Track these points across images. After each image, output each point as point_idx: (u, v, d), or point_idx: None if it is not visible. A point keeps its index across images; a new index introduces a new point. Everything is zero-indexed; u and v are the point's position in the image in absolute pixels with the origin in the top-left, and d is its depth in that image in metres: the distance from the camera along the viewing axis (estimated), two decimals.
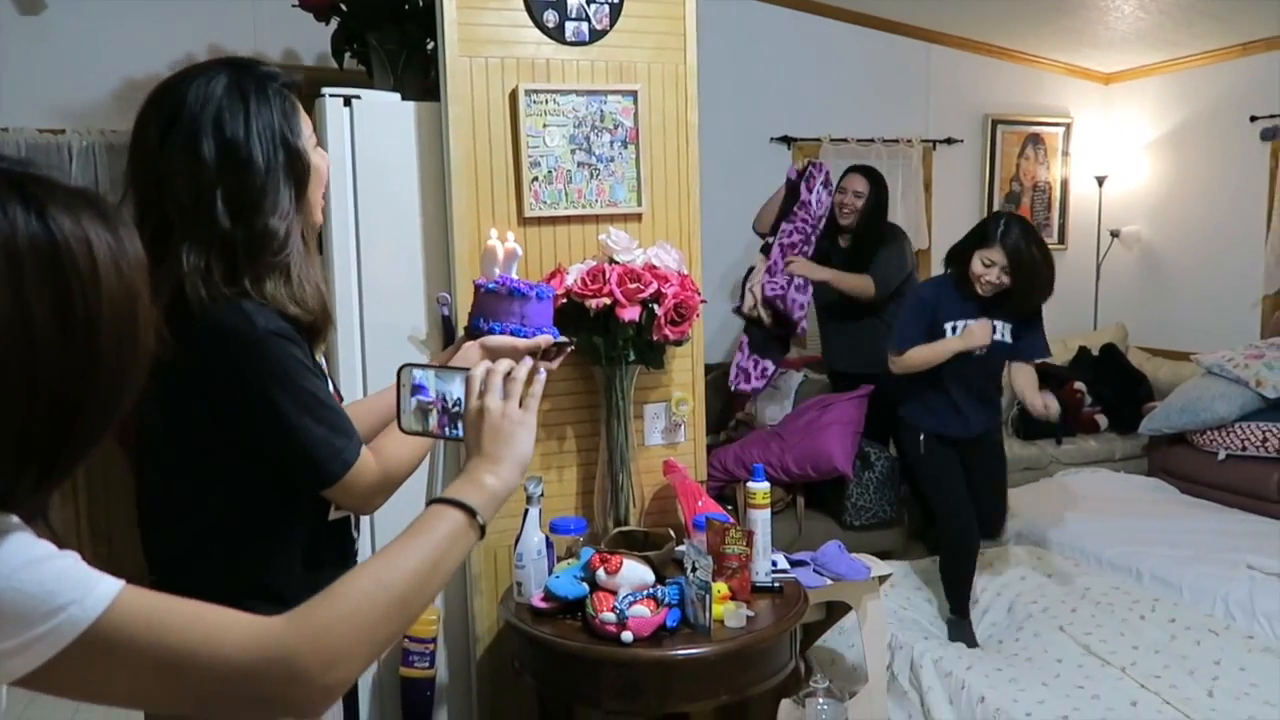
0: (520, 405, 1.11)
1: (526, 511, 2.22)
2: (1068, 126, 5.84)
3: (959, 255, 3.16)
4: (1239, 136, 5.16)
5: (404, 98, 2.52)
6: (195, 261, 1.24)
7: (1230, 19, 4.78)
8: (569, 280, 2.32)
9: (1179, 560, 3.45)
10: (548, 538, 2.27)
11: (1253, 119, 5.06)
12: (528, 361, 1.16)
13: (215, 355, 1.24)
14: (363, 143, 2.40)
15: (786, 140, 5.13)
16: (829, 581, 2.54)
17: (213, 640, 0.76)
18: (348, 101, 2.39)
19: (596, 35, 2.45)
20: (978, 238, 3.11)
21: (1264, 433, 4.28)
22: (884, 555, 3.66)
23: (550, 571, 2.24)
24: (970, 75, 5.54)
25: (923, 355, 3.12)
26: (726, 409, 4.32)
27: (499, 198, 2.42)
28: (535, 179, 2.42)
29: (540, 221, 2.46)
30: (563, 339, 1.46)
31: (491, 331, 1.57)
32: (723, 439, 4.05)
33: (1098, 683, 2.59)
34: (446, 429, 1.17)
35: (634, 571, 2.09)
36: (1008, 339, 3.16)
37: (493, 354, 1.55)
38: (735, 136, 5.01)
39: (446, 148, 2.39)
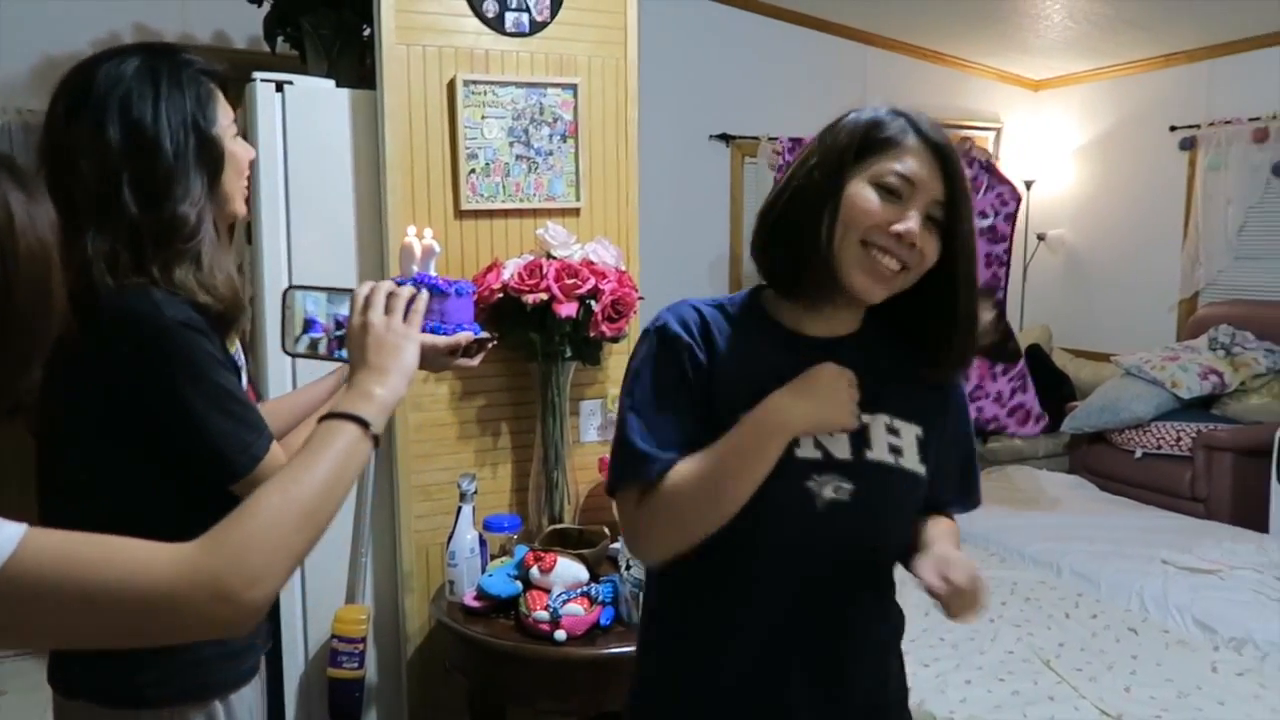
0: (404, 320, 1.14)
1: (460, 509, 2.20)
2: (998, 131, 5.97)
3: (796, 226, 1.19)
4: (1159, 145, 5.33)
5: (338, 84, 2.46)
6: (101, 246, 1.20)
7: (1154, 30, 4.94)
8: (506, 275, 2.29)
9: (1097, 555, 3.56)
10: (481, 536, 2.24)
11: (1172, 129, 5.24)
12: (410, 285, 1.19)
13: (120, 343, 1.20)
14: (295, 130, 2.33)
15: (725, 138, 5.15)
16: None
17: (131, 572, 0.78)
18: (280, 87, 2.32)
19: (537, 27, 2.42)
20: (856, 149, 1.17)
21: (1178, 432, 4.43)
22: None
23: (483, 570, 2.21)
24: (905, 78, 5.62)
25: (701, 474, 1.12)
26: None
27: (435, 190, 2.38)
28: (473, 171, 2.39)
29: (477, 215, 2.43)
30: (484, 335, 1.44)
31: None
32: None
33: (1020, 677, 2.65)
34: (335, 351, 1.17)
35: (568, 570, 2.08)
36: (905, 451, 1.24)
37: None
38: (673, 133, 5.01)
39: (382, 137, 2.34)
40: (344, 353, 1.16)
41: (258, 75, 2.31)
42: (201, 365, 1.23)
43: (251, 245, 2.42)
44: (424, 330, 1.58)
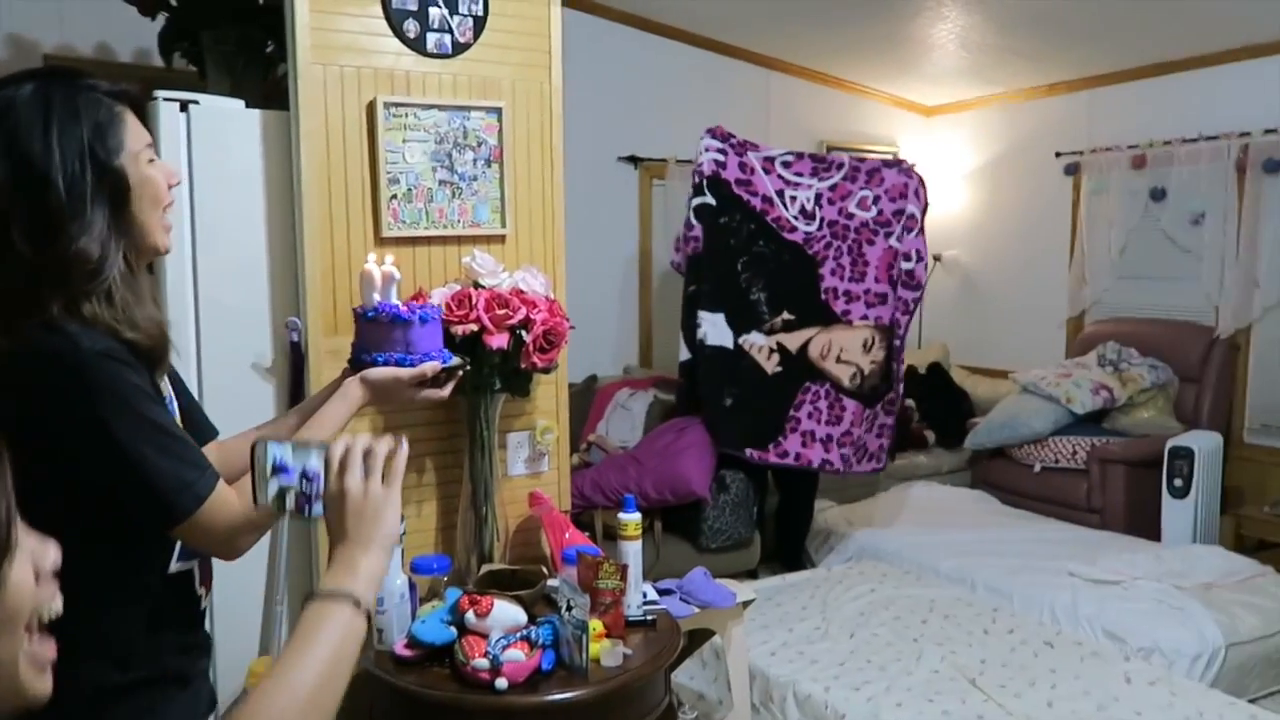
0: (383, 481, 1.07)
1: None
2: (894, 155, 6.13)
3: None
4: (1046, 170, 5.57)
5: (246, 104, 2.33)
6: None
7: (1039, 60, 5.16)
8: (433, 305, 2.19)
9: (1008, 570, 3.65)
10: (410, 579, 2.14)
11: (1058, 154, 5.48)
12: (388, 437, 1.11)
13: (33, 385, 1.09)
14: (201, 152, 2.20)
15: (634, 160, 5.14)
16: (696, 610, 2.52)
17: None
18: (184, 106, 2.18)
19: (460, 48, 2.34)
20: None
21: (1074, 446, 4.61)
22: (740, 576, 3.72)
23: (414, 615, 2.11)
24: (806, 102, 5.73)
25: None
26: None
27: (354, 216, 2.27)
28: (394, 197, 2.29)
29: (399, 242, 2.32)
30: (454, 362, 1.37)
31: (375, 363, 1.45)
32: (576, 463, 3.98)
33: (948, 697, 2.68)
34: (305, 508, 1.11)
35: (506, 613, 1.99)
36: None
37: (374, 387, 1.44)
38: (584, 156, 4.96)
39: (297, 161, 2.22)
40: (317, 509, 1.08)
41: (160, 94, 2.17)
42: (129, 398, 1.13)
43: (153, 275, 2.26)
44: (389, 362, 1.50)
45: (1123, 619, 3.16)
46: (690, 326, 3.75)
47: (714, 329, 3.66)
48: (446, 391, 1.37)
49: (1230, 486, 4.38)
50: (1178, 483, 4.13)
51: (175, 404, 1.37)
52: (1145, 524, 4.31)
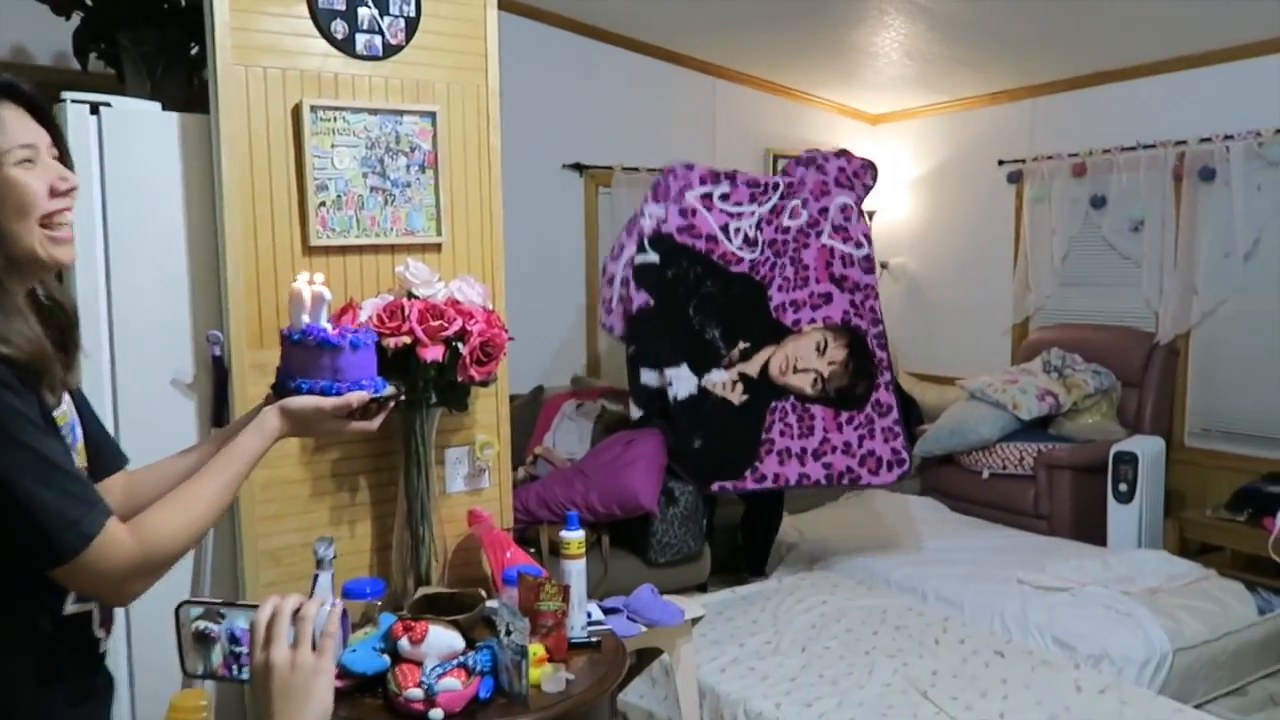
0: (314, 649, 1.01)
1: (316, 578, 1.98)
2: None
3: None
4: (989, 178, 5.61)
5: (164, 107, 2.21)
6: None
7: (982, 69, 5.20)
8: (363, 317, 2.10)
9: (958, 579, 3.63)
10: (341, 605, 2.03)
11: (1000, 162, 5.52)
12: (321, 597, 1.04)
13: None
14: (114, 157, 2.08)
15: (579, 168, 5.07)
16: (643, 628, 2.45)
17: None
18: (95, 109, 2.06)
19: (391, 50, 2.26)
20: None
21: (1021, 452, 4.63)
22: (689, 591, 3.65)
23: (345, 644, 2.00)
24: (752, 110, 5.71)
25: None
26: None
27: (280, 224, 2.17)
28: (322, 204, 2.19)
29: (328, 251, 2.22)
30: (386, 392, 1.28)
31: (299, 390, 1.34)
32: (521, 476, 3.89)
33: (901, 711, 2.64)
34: (233, 670, 1.06)
35: (441, 639, 1.90)
36: None
37: (293, 418, 1.33)
38: (526, 163, 4.88)
39: (218, 167, 2.11)
40: (245, 674, 1.01)
41: (68, 96, 2.05)
42: (5, 424, 1.03)
43: (61, 284, 2.13)
44: (314, 390, 1.39)
45: (1072, 626, 3.16)
46: (637, 387, 3.68)
47: (681, 382, 3.61)
48: (376, 424, 1.28)
49: (1173, 490, 4.42)
50: (1122, 488, 4.16)
51: (78, 430, 1.26)
52: (1091, 529, 4.34)
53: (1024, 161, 5.39)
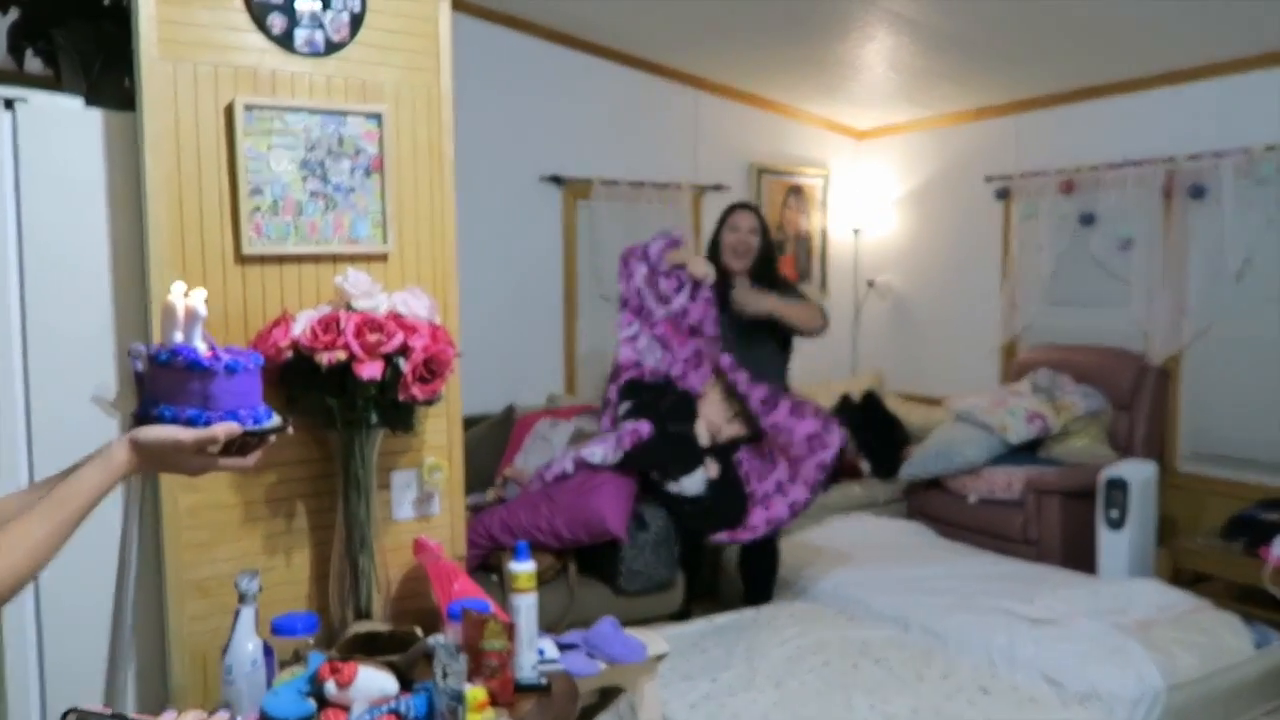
0: None
1: (238, 613, 1.82)
2: (825, 178, 6.03)
3: None
4: (976, 194, 5.50)
5: (100, 106, 2.07)
6: None
7: (967, 84, 5.09)
8: (296, 330, 1.95)
9: (943, 609, 3.48)
10: (266, 643, 1.87)
11: (987, 179, 5.41)
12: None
13: None
14: (29, 156, 1.93)
15: (557, 180, 4.94)
16: (603, 666, 2.29)
17: None
18: (9, 104, 1.92)
19: (333, 47, 2.12)
20: None
21: (1009, 477, 4.49)
22: (661, 620, 3.49)
23: (269, 685, 1.84)
24: (736, 123, 5.60)
25: None
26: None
27: (210, 230, 2.03)
28: (257, 209, 2.05)
29: (264, 260, 2.08)
30: (267, 425, 1.12)
31: (160, 419, 1.18)
32: (491, 498, 3.73)
33: None
34: None
35: (371, 681, 1.74)
36: None
37: (145, 451, 1.17)
38: (501, 175, 4.77)
39: (143, 168, 1.97)
40: None
41: None
42: None
43: None
44: (179, 420, 1.23)
45: (1061, 661, 3.00)
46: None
47: (692, 483, 3.53)
48: (251, 461, 1.12)
49: (1165, 516, 4.28)
50: (1114, 514, 4.02)
51: None
52: (1081, 556, 4.19)
53: (1011, 178, 5.27)
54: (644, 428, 3.52)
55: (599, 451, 3.46)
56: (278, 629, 1.95)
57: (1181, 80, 4.51)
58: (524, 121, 4.84)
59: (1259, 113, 4.22)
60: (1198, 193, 4.39)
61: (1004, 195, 5.34)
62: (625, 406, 3.66)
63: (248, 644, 1.81)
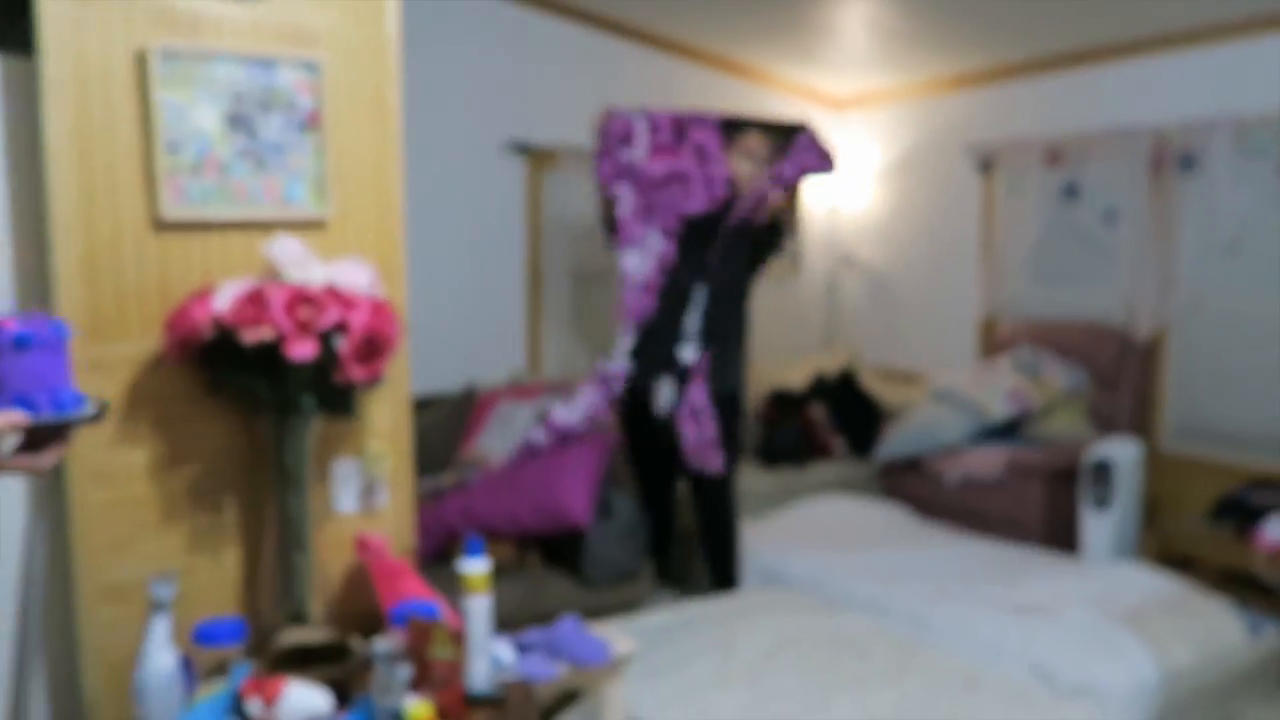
0: None
1: (151, 623, 1.61)
2: None
3: None
4: (957, 166, 5.32)
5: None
6: None
7: (951, 49, 4.90)
8: (218, 305, 1.74)
9: (925, 596, 3.34)
10: (185, 655, 1.67)
11: (969, 150, 5.23)
12: None
13: None
14: None
15: (521, 148, 4.70)
16: (564, 668, 2.11)
17: None
18: None
19: None
20: None
21: (989, 457, 4.34)
22: (628, 610, 3.32)
23: (187, 702, 1.64)
24: (711, 91, 5.37)
25: None
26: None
27: (124, 192, 1.80)
28: (176, 169, 1.83)
29: (185, 227, 1.86)
30: (71, 414, 0.92)
31: None
32: (450, 483, 3.53)
33: None
34: None
35: (301, 700, 1.55)
36: None
37: None
38: (462, 142, 4.53)
39: (43, 123, 1.74)
40: None
41: None
42: None
43: None
44: None
45: (1050, 653, 2.86)
46: None
47: None
48: (46, 461, 0.92)
49: (1149, 496, 4.16)
50: (1098, 495, 3.88)
51: None
52: (1064, 539, 4.07)
53: (993, 149, 5.10)
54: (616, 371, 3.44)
55: (580, 406, 3.39)
56: (200, 637, 1.75)
57: (1172, 46, 4.34)
58: (485, 85, 4.60)
59: (1254, 81, 4.07)
60: (1188, 164, 4.24)
61: (986, 167, 5.16)
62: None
63: (162, 657, 1.61)
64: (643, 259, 3.62)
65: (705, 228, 3.64)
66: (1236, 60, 4.13)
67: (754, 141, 3.73)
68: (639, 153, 3.66)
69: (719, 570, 3.70)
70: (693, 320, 3.56)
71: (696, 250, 3.63)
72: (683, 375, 3.51)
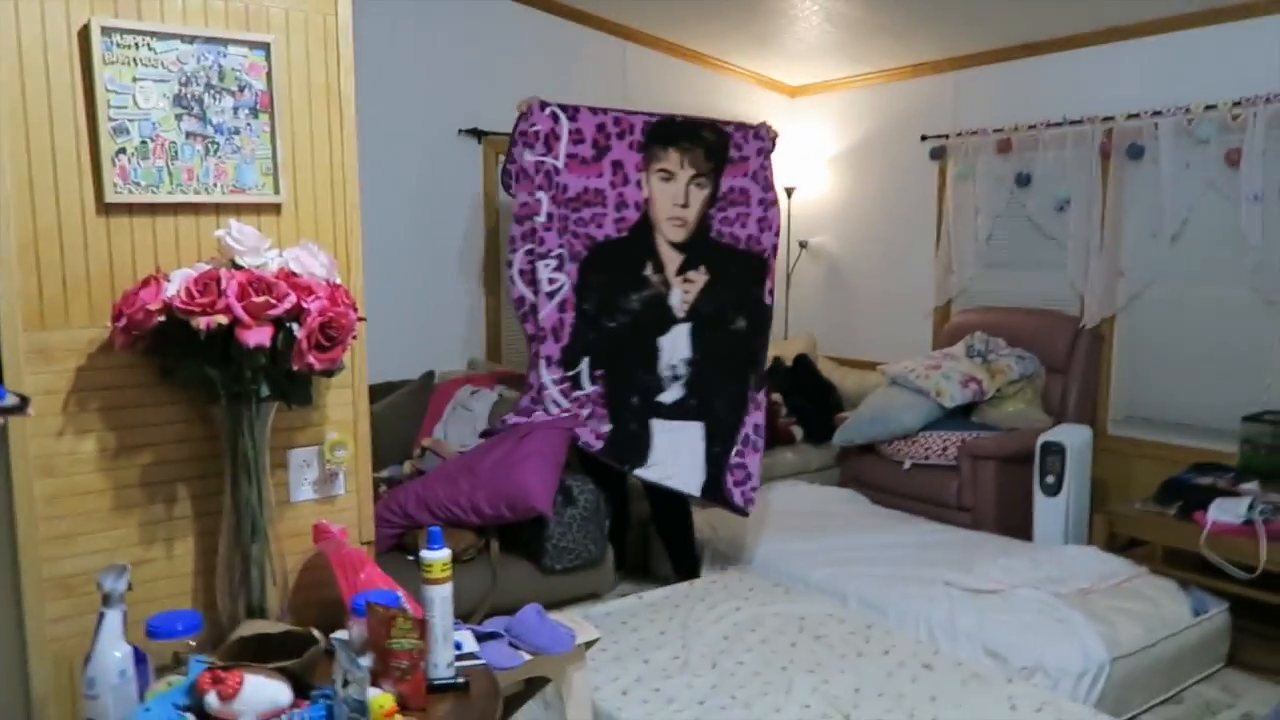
0: None
1: (102, 616, 1.58)
2: None
3: None
4: (911, 154, 5.37)
5: None
6: None
7: (904, 39, 4.94)
8: (170, 291, 1.70)
9: (881, 580, 3.38)
10: (138, 648, 1.63)
11: (923, 138, 5.29)
12: None
13: None
14: None
15: (477, 133, 4.66)
16: (527, 657, 2.10)
17: None
18: None
19: None
20: None
21: (944, 442, 4.41)
22: (590, 597, 3.32)
23: (141, 697, 1.61)
24: (666, 76, 5.37)
25: None
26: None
27: (66, 175, 1.75)
28: (122, 151, 1.78)
29: (132, 210, 1.81)
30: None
31: None
32: (408, 471, 3.50)
33: None
34: None
35: (260, 692, 1.53)
36: None
37: None
38: (417, 127, 4.48)
39: None
40: None
41: None
42: None
43: None
44: None
45: (1003, 634, 2.92)
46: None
47: None
48: None
49: (1097, 479, 4.25)
50: (1049, 480, 3.96)
51: None
52: (1017, 521, 4.14)
53: (947, 137, 5.16)
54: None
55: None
56: (154, 631, 1.72)
57: (1121, 38, 4.42)
58: (441, 70, 4.54)
59: (1199, 72, 4.16)
60: (1136, 153, 4.33)
61: (939, 155, 5.22)
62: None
63: (114, 651, 1.57)
64: (560, 272, 3.49)
65: (614, 252, 3.54)
66: (1182, 51, 4.22)
67: (676, 159, 3.61)
68: (558, 161, 3.48)
69: (681, 557, 3.72)
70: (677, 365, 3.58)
71: (614, 276, 3.54)
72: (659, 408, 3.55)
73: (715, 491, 3.56)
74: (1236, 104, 3.97)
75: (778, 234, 3.84)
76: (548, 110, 3.50)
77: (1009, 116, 4.86)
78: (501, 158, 4.72)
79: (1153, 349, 4.42)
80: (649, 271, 3.60)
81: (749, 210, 3.75)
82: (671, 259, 3.62)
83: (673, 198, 3.61)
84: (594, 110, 3.57)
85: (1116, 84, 4.44)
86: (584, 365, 3.50)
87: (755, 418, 3.65)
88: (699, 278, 3.64)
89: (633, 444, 3.49)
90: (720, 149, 3.69)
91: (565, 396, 3.44)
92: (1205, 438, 4.20)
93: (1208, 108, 4.06)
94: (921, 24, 4.72)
